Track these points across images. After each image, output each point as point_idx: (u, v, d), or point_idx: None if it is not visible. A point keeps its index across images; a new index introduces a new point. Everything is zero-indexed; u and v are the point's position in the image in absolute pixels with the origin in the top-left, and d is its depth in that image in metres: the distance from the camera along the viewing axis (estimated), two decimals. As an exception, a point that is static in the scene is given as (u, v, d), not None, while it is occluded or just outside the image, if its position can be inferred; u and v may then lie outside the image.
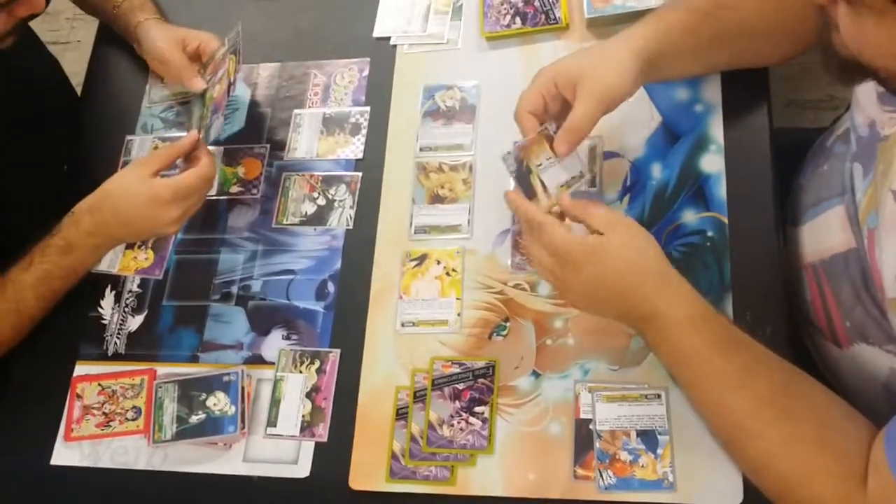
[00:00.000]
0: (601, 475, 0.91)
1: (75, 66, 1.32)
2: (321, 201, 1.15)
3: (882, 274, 0.82)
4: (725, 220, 1.00)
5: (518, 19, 1.18)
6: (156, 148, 1.24)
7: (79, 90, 1.36)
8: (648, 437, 0.92)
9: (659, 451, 0.91)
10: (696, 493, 0.89)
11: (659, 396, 0.93)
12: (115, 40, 1.32)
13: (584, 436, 0.94)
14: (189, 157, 1.10)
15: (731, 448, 0.87)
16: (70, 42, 2.58)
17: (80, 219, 1.09)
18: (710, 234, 1.00)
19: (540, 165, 0.93)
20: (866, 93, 0.87)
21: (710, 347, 0.84)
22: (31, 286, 1.09)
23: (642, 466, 0.91)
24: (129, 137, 1.27)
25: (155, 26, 1.23)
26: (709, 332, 0.85)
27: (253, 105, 1.25)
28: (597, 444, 0.93)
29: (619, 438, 0.92)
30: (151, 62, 1.25)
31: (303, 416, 1.02)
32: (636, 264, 0.87)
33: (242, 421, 1.02)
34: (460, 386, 0.99)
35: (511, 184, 1.08)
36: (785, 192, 1.05)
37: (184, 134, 1.22)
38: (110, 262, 1.17)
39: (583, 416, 0.95)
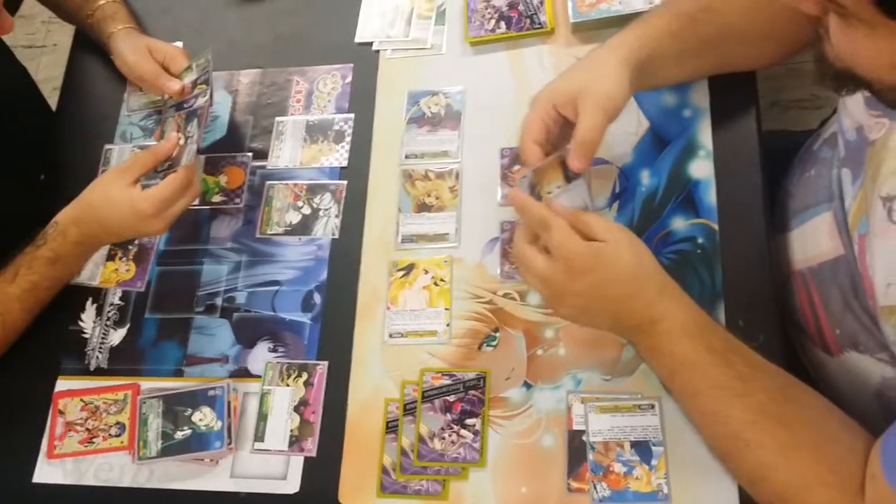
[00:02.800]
0: (595, 487, 0.90)
1: (51, 70, 1.30)
2: (306, 210, 1.13)
3: (873, 281, 0.81)
4: (716, 227, 0.99)
5: (503, 24, 1.16)
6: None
7: (56, 94, 1.33)
8: (643, 449, 0.91)
9: (654, 462, 0.90)
10: (691, 505, 0.88)
11: (653, 407, 0.92)
12: (93, 47, 1.29)
13: (577, 447, 0.93)
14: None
15: (727, 459, 0.86)
16: (46, 46, 2.54)
17: (66, 230, 1.07)
18: (700, 241, 0.99)
19: (550, 193, 0.90)
20: (854, 97, 0.86)
21: (708, 356, 0.83)
22: (17, 298, 1.07)
23: (637, 478, 0.90)
24: (107, 146, 1.25)
25: (125, 38, 1.21)
26: (706, 341, 0.84)
27: (234, 112, 1.23)
28: (590, 456, 0.92)
29: (613, 450, 0.91)
30: (127, 73, 1.23)
31: (291, 430, 1.01)
32: (639, 271, 0.85)
33: (229, 436, 1.00)
34: (451, 398, 0.98)
35: (499, 190, 1.08)
36: (772, 197, 1.05)
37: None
38: (91, 275, 1.15)
39: (576, 427, 0.94)
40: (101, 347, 1.11)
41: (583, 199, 0.90)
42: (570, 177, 0.90)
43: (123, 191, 1.04)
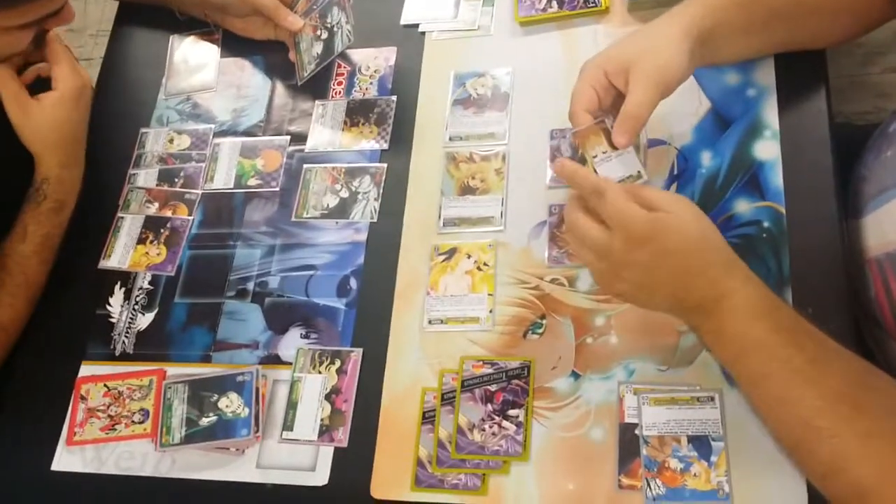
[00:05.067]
0: (649, 485, 0.83)
1: (99, 82, 1.29)
2: (344, 193, 1.08)
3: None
4: (783, 210, 0.92)
5: (554, 3, 1.11)
6: (171, 141, 1.19)
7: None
8: (701, 444, 0.83)
9: (713, 458, 0.82)
10: (754, 506, 0.80)
11: (712, 399, 0.85)
12: (134, 27, 1.27)
13: (629, 442, 0.85)
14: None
15: (797, 450, 0.77)
16: (94, 58, 2.55)
17: (60, 176, 1.10)
18: (766, 224, 0.92)
19: (595, 157, 0.84)
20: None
21: (777, 337, 0.75)
22: (33, 253, 1.08)
23: (695, 475, 0.82)
24: (143, 130, 1.21)
25: None
26: (775, 321, 0.76)
27: (273, 95, 1.19)
28: (643, 451, 0.84)
29: (669, 445, 0.84)
30: (238, 7, 1.17)
31: (321, 419, 0.95)
32: (704, 244, 0.78)
33: (256, 424, 0.95)
34: (492, 387, 0.91)
35: (548, 172, 1.02)
36: (842, 187, 0.97)
37: (200, 126, 1.19)
38: (121, 259, 1.11)
39: (628, 420, 0.86)
40: (127, 332, 1.06)
41: (633, 166, 0.83)
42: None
43: (39, 104, 1.08)
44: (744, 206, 0.93)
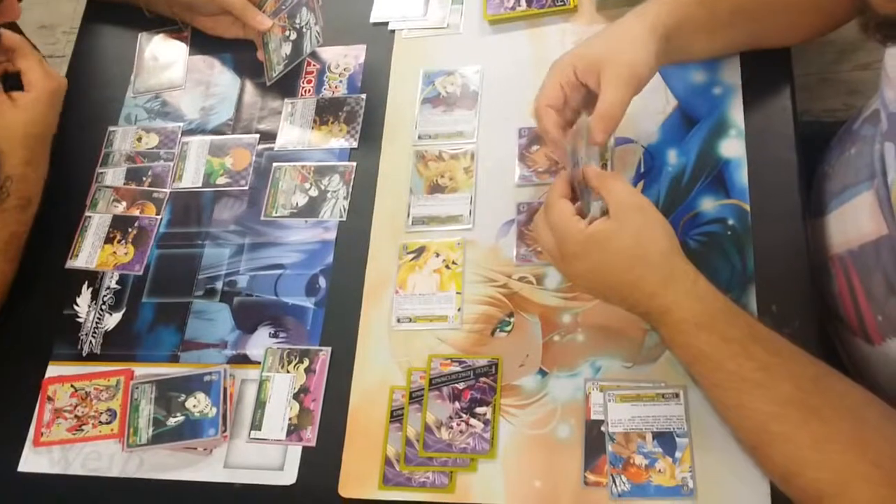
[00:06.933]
0: (614, 481, 0.83)
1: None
2: (313, 192, 1.08)
3: (920, 261, 0.75)
4: (747, 208, 0.93)
5: (523, 1, 1.11)
6: (139, 139, 1.18)
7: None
8: (666, 440, 0.84)
9: (677, 454, 0.83)
10: (718, 501, 0.81)
11: (677, 396, 0.85)
12: (102, 24, 1.26)
13: (595, 438, 0.86)
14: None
15: (756, 454, 0.79)
16: (65, 56, 2.53)
17: (24, 175, 1.08)
18: (731, 222, 0.93)
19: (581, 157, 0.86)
20: (896, 66, 0.81)
21: (724, 348, 0.76)
22: None
23: (659, 471, 0.83)
24: (111, 128, 1.20)
25: None
26: (720, 332, 0.77)
27: (242, 93, 1.18)
28: (609, 448, 0.85)
29: (634, 441, 0.84)
30: (205, 6, 1.17)
31: (289, 418, 0.94)
32: (640, 258, 0.79)
33: (224, 423, 0.94)
34: (460, 385, 0.91)
35: (516, 170, 1.02)
36: (806, 184, 0.98)
37: (169, 124, 1.18)
38: (88, 258, 1.10)
39: (594, 417, 0.87)
40: (94, 332, 1.06)
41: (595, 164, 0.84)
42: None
43: (13, 102, 1.09)
44: (709, 204, 0.94)
